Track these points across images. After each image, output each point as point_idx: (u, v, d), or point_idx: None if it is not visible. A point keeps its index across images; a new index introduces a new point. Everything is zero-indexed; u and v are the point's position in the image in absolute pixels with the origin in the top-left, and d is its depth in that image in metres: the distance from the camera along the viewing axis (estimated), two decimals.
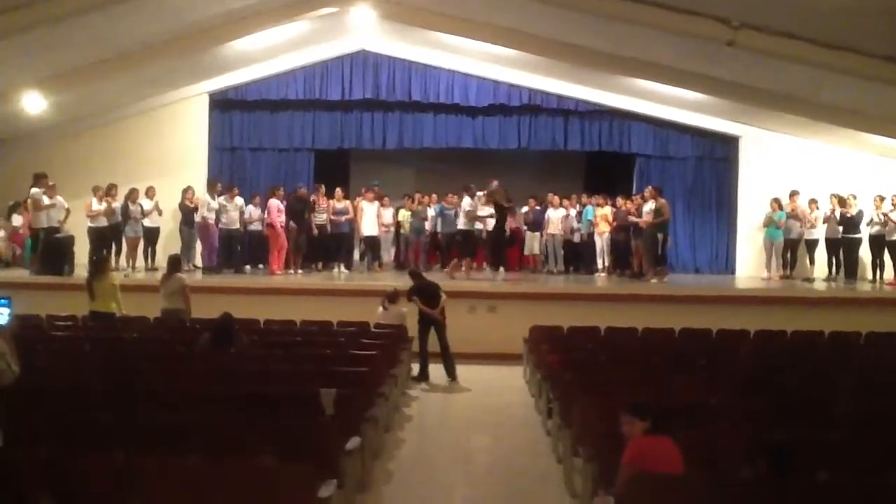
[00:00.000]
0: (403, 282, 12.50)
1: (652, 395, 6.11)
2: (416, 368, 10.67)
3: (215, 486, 4.33)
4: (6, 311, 4.81)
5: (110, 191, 14.09)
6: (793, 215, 14.98)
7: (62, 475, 4.32)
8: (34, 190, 13.15)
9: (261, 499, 4.30)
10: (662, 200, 14.26)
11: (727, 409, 6.04)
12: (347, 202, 15.41)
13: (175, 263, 10.52)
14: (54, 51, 11.65)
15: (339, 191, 15.41)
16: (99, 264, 10.38)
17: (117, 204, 14.14)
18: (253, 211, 14.88)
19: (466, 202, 14.52)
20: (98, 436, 5.06)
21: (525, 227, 16.13)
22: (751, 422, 5.68)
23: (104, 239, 13.89)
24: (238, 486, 4.33)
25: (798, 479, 4.31)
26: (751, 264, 16.08)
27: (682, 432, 4.81)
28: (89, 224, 13.81)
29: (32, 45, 11.04)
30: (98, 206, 13.81)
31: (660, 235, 14.14)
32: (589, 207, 15.79)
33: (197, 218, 14.41)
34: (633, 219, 14.82)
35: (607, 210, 15.53)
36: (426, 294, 10.62)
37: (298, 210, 14.82)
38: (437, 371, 10.59)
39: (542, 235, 16.02)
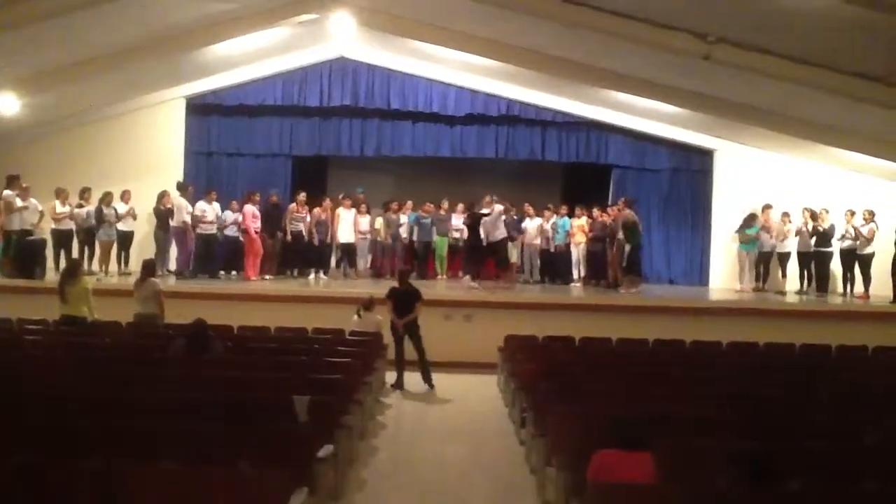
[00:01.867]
0: (379, 289, 12.51)
1: (626, 406, 6.16)
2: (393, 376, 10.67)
3: (188, 492, 4.30)
4: None
5: (83, 194, 13.98)
6: (765, 228, 15.17)
7: (36, 482, 4.27)
8: (7, 192, 13.01)
9: None
10: (628, 212, 14.42)
11: (700, 419, 6.08)
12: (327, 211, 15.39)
13: (149, 268, 10.43)
14: (29, 52, 11.53)
15: (328, 201, 15.44)
16: (72, 268, 10.28)
17: (90, 207, 14.01)
18: (229, 216, 14.78)
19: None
20: (72, 442, 5.00)
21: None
22: (725, 432, 5.73)
23: (67, 242, 13.77)
24: (211, 493, 4.31)
25: (772, 489, 4.35)
26: (724, 276, 16.23)
27: (656, 442, 4.84)
28: (52, 226, 13.69)
29: (7, 45, 10.92)
30: (62, 208, 13.67)
31: (626, 245, 14.25)
32: (565, 218, 15.87)
33: (175, 222, 14.28)
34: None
35: (583, 221, 15.62)
36: (399, 300, 10.58)
37: (272, 217, 14.76)
38: (412, 378, 10.59)
39: (521, 245, 16.05)
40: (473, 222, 14.52)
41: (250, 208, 14.43)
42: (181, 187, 14.61)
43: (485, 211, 14.54)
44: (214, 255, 14.65)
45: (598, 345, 10.06)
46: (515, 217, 16.04)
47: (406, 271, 11.64)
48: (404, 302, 10.55)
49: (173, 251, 14.79)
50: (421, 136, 16.80)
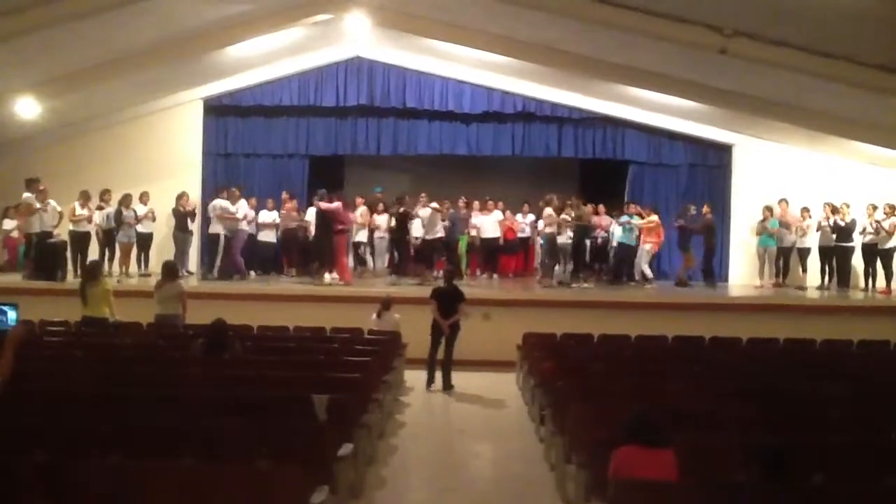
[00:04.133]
0: (397, 289, 12.57)
1: (645, 402, 6.12)
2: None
3: (208, 490, 4.32)
4: (13, 315, 4.76)
5: (103, 196, 14.07)
6: (783, 224, 15.06)
7: (56, 480, 4.30)
8: (26, 195, 13.11)
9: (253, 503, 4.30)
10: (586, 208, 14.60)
11: (720, 415, 6.05)
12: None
13: (172, 270, 10.46)
14: (49, 55, 11.63)
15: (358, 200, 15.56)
16: (92, 270, 10.36)
17: (110, 209, 14.10)
18: (266, 215, 14.95)
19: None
20: (92, 441, 5.04)
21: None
22: (744, 427, 5.69)
23: (85, 244, 13.82)
24: (231, 491, 4.33)
25: (791, 484, 4.32)
26: (744, 272, 16.12)
27: (676, 438, 4.82)
28: (70, 228, 13.75)
29: (27, 49, 11.02)
30: (80, 210, 13.73)
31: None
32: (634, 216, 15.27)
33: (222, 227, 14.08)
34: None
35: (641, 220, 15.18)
36: (444, 300, 10.52)
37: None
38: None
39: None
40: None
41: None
42: (220, 189, 14.52)
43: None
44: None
45: (617, 342, 10.02)
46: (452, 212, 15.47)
47: (451, 271, 11.62)
48: (449, 302, 10.51)
49: (192, 252, 14.86)
50: (437, 135, 16.81)
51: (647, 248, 15.09)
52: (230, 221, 14.19)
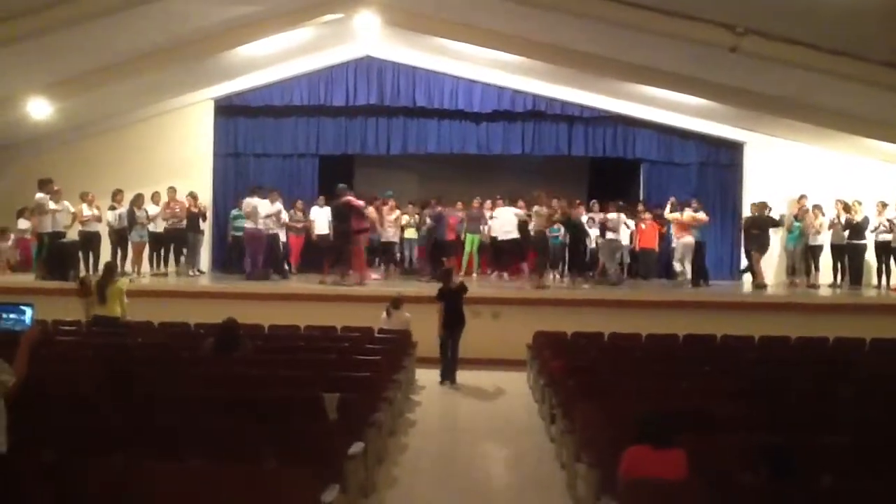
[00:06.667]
0: (408, 288, 12.57)
1: (655, 401, 6.11)
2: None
3: (217, 490, 4.33)
4: (29, 315, 4.80)
5: (115, 196, 14.14)
6: (797, 218, 15.03)
7: (65, 479, 4.33)
8: (39, 195, 13.19)
9: (263, 503, 4.31)
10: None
11: (730, 414, 6.03)
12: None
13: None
14: (60, 57, 11.70)
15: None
16: (111, 269, 10.44)
17: (122, 209, 14.17)
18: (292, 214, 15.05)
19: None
20: (101, 440, 5.06)
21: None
22: (753, 427, 5.66)
23: (93, 244, 13.93)
24: (240, 491, 4.34)
25: (799, 485, 4.30)
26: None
27: (685, 437, 4.81)
28: (79, 229, 13.84)
29: (38, 51, 11.10)
30: (88, 211, 13.83)
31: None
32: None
33: (259, 225, 13.87)
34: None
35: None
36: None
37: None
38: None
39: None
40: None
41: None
42: (255, 190, 14.38)
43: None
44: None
45: (627, 341, 9.99)
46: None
47: (447, 270, 11.62)
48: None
49: (203, 251, 14.92)
50: (447, 134, 16.82)
51: (685, 240, 14.69)
52: (270, 221, 14.03)
